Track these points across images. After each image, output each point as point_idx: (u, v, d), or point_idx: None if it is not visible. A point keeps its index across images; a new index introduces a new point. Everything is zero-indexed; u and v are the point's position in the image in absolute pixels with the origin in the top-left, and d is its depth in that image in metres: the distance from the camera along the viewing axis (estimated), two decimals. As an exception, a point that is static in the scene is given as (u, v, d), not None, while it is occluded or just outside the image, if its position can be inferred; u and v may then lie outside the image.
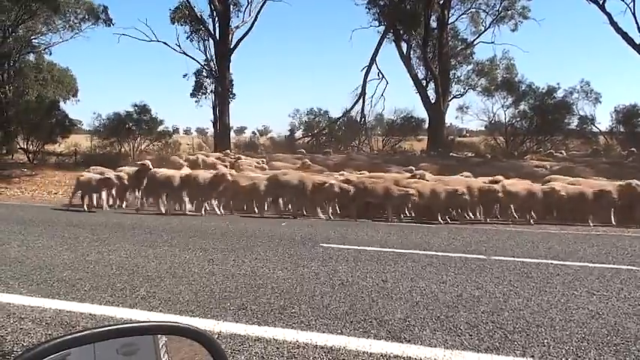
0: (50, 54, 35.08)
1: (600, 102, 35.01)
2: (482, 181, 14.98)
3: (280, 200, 14.96)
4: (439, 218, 13.54)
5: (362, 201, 14.26)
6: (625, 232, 12.12)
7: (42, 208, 15.63)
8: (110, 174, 15.44)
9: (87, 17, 32.91)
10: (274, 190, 14.74)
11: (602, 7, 30.12)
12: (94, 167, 17.85)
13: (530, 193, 13.88)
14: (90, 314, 5.44)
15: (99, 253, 8.72)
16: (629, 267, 8.06)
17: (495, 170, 17.20)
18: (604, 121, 37.24)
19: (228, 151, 26.48)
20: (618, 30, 29.80)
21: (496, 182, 14.44)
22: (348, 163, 21.76)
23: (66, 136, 33.36)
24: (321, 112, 39.44)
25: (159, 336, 1.58)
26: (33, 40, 33.64)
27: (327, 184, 14.18)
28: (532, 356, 4.42)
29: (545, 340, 4.75)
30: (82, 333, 1.37)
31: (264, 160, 21.35)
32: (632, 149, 25.89)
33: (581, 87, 34.76)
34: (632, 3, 29.42)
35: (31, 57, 34.60)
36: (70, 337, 1.35)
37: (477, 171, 17.37)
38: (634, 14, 29.37)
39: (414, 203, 13.89)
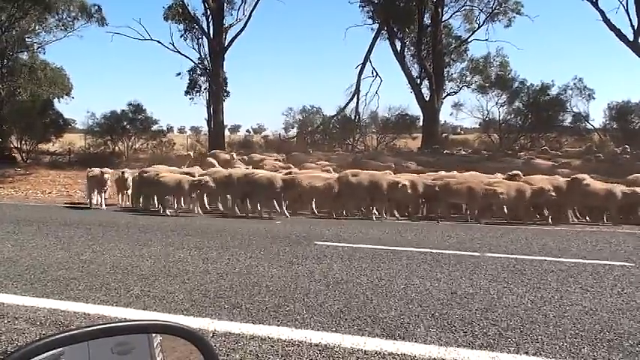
0: (44, 53, 35.03)
1: (594, 98, 35.19)
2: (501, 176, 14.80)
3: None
4: (525, 218, 13.23)
5: (447, 202, 13.93)
6: (618, 229, 12.16)
7: (35, 207, 15.60)
8: (208, 177, 14.51)
9: (80, 16, 32.85)
10: (346, 190, 14.31)
11: (595, 4, 30.22)
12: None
13: (609, 192, 13.38)
14: (84, 313, 5.43)
15: (93, 252, 8.70)
16: (622, 263, 8.10)
17: (494, 167, 17.04)
18: (598, 118, 37.28)
19: (239, 151, 26.28)
20: (611, 27, 29.90)
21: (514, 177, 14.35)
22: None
23: (60, 135, 33.29)
24: (315, 109, 39.43)
25: (153, 335, 1.58)
26: (26, 39, 33.56)
27: (401, 185, 13.63)
28: (526, 352, 4.43)
29: (539, 337, 4.76)
30: (73, 332, 1.37)
31: (284, 159, 21.12)
32: (626, 146, 25.99)
33: (575, 84, 34.92)
34: (625, 0, 29.53)
35: (25, 56, 34.50)
36: (60, 335, 1.35)
37: (478, 168, 17.16)
38: (627, 11, 29.49)
39: (499, 203, 13.50)
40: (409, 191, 13.60)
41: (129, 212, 14.41)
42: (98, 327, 1.43)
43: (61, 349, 1.39)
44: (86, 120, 35.21)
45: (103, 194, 15.63)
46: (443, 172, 16.35)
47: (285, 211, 13.84)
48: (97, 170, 15.69)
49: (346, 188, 14.20)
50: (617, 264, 8.01)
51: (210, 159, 20.94)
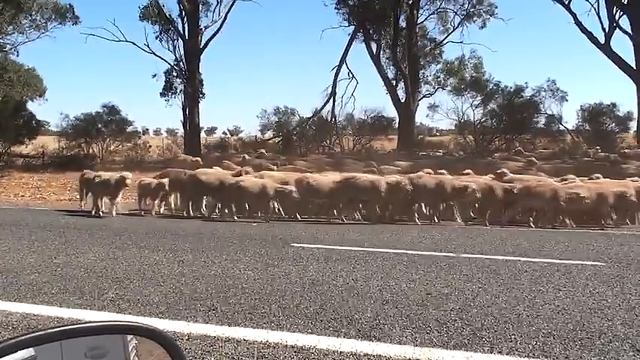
0: (17, 55, 34.58)
1: (567, 100, 35.53)
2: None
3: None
4: (603, 221, 12.89)
5: (525, 205, 13.39)
6: (590, 230, 12.32)
7: (7, 210, 15.39)
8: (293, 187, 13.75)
9: (53, 17, 32.50)
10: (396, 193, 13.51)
11: (567, 7, 30.63)
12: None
13: None
14: (57, 317, 5.37)
15: (67, 255, 8.61)
16: (594, 263, 8.21)
17: (471, 167, 17.01)
18: (571, 120, 37.65)
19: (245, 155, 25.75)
20: (583, 30, 30.36)
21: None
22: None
23: (33, 137, 32.84)
24: (289, 110, 39.35)
25: (129, 339, 1.57)
26: (-1, 40, 33.13)
27: (469, 189, 13.12)
28: (500, 352, 4.49)
29: (513, 336, 4.82)
30: (39, 333, 1.36)
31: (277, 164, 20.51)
32: (597, 147, 26.33)
33: (548, 86, 35.26)
34: (597, 3, 30.05)
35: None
36: (27, 337, 1.34)
37: (458, 169, 17.00)
38: (598, 14, 29.98)
39: (579, 207, 12.87)
40: (478, 195, 13.15)
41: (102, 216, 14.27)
42: (62, 328, 1.42)
43: (33, 353, 1.38)
44: (60, 122, 34.85)
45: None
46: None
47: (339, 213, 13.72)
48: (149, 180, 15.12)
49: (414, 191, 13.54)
50: (588, 264, 8.13)
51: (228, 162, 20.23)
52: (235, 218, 13.35)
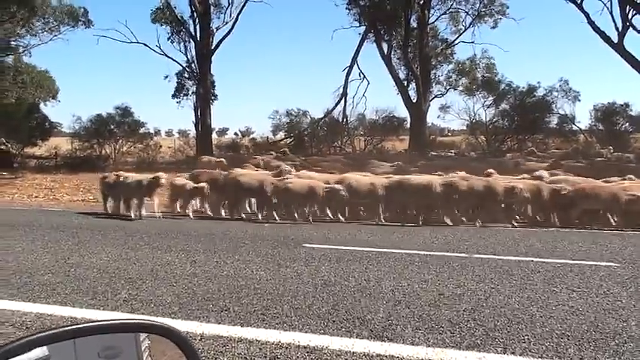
0: (30, 56, 34.79)
1: (579, 100, 35.40)
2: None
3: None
4: None
5: (582, 207, 12.93)
6: (604, 230, 12.23)
7: (20, 211, 15.47)
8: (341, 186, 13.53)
9: (66, 20, 32.68)
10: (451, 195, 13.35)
11: (580, 6, 30.44)
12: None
13: None
14: (71, 317, 5.41)
15: (80, 256, 8.66)
16: (608, 263, 8.16)
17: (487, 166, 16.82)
18: (583, 120, 37.49)
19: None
20: (596, 29, 30.12)
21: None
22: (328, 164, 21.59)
23: (46, 139, 33.07)
24: (301, 112, 39.40)
25: (141, 339, 1.57)
26: (11, 43, 33.31)
27: (517, 189, 12.89)
28: (513, 352, 4.47)
29: (526, 337, 4.80)
30: (52, 331, 1.37)
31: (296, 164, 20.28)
32: (610, 147, 26.15)
33: (561, 86, 35.10)
34: (610, 2, 29.77)
35: (9, 59, 34.24)
36: (39, 335, 1.34)
37: (477, 168, 16.72)
38: (611, 13, 29.72)
39: (635, 208, 12.33)
40: (526, 195, 12.93)
41: (117, 217, 14.31)
42: (76, 326, 1.43)
43: (47, 353, 1.39)
44: (72, 123, 35.05)
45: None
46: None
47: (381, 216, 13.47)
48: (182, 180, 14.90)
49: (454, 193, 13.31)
50: (602, 264, 8.08)
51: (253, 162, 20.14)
52: (277, 219, 13.25)
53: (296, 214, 13.39)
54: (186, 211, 14.30)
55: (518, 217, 13.58)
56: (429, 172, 16.16)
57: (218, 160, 21.48)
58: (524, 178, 14.46)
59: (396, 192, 13.36)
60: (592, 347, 4.57)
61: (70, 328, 1.41)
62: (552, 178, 14.72)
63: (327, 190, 13.22)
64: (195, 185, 14.19)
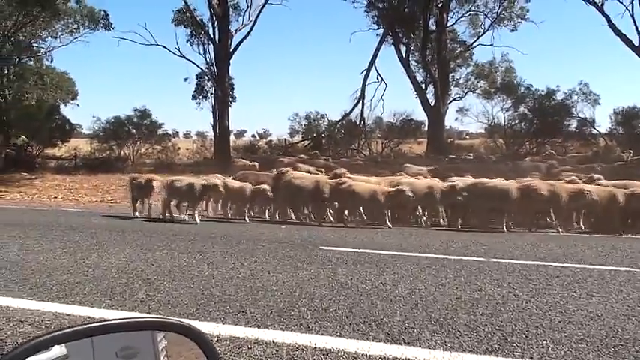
0: (52, 60, 35.13)
1: (599, 104, 35.19)
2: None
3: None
4: None
5: None
6: (624, 235, 12.10)
7: (41, 212, 15.63)
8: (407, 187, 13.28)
9: (88, 24, 33.00)
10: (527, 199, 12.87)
11: (600, 9, 30.24)
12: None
13: None
14: (89, 317, 5.44)
15: (98, 256, 8.72)
16: (627, 268, 8.07)
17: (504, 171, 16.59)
18: (603, 123, 37.20)
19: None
20: (617, 32, 29.93)
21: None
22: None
23: (66, 140, 33.44)
24: (319, 115, 39.46)
25: (159, 339, 1.58)
26: (33, 45, 33.72)
27: (586, 192, 12.55)
28: (531, 357, 4.42)
29: (544, 342, 4.75)
30: (69, 330, 1.37)
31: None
32: (630, 150, 25.85)
33: (580, 89, 34.88)
34: (631, 5, 29.59)
35: (31, 61, 34.63)
36: (56, 333, 1.35)
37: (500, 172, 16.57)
38: (632, 16, 29.51)
39: None
40: (595, 198, 12.49)
41: (124, 217, 14.38)
42: (96, 324, 1.43)
43: (65, 352, 1.40)
44: (92, 125, 35.40)
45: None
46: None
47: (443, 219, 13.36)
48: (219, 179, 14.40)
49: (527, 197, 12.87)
50: (622, 269, 7.99)
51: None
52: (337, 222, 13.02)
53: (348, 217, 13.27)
54: (246, 214, 13.88)
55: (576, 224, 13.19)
56: (446, 175, 16.01)
57: (250, 163, 21.53)
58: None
59: (471, 196, 12.93)
60: (611, 353, 4.52)
61: (88, 326, 1.41)
62: (612, 182, 14.16)
63: (392, 192, 12.93)
64: (256, 188, 13.81)
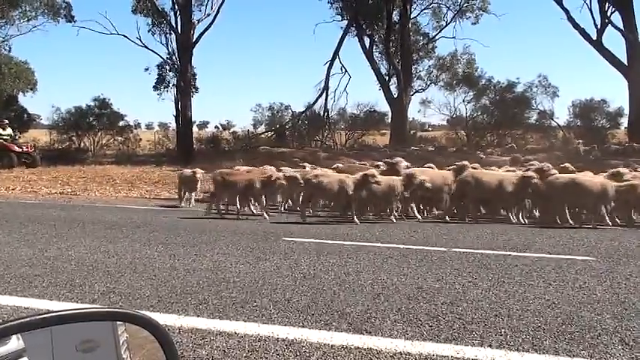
0: (10, 50, 34.34)
1: (558, 96, 35.84)
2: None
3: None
4: None
5: None
6: (583, 225, 12.33)
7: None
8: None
9: (47, 14, 32.32)
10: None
11: (560, 3, 30.73)
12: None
13: None
14: (48, 310, 5.36)
15: (58, 248, 8.59)
16: (584, 257, 8.25)
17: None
18: (562, 116, 37.99)
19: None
20: (575, 26, 30.46)
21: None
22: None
23: (24, 131, 32.74)
24: (283, 106, 39.38)
25: (119, 332, 1.57)
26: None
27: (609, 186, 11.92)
28: (490, 345, 4.51)
29: (503, 330, 4.85)
30: (21, 320, 1.34)
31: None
32: (594, 145, 26.23)
33: (540, 81, 35.47)
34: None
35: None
36: (6, 325, 1.32)
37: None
38: (591, 10, 30.08)
39: None
40: None
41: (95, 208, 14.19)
42: (56, 313, 1.41)
43: (23, 345, 1.38)
44: (51, 115, 34.72)
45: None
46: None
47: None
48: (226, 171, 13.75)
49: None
50: (579, 258, 8.17)
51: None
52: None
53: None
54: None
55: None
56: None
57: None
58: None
59: (567, 191, 12.12)
60: (567, 340, 4.63)
61: (43, 316, 1.39)
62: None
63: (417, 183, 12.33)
64: (287, 175, 13.04)
